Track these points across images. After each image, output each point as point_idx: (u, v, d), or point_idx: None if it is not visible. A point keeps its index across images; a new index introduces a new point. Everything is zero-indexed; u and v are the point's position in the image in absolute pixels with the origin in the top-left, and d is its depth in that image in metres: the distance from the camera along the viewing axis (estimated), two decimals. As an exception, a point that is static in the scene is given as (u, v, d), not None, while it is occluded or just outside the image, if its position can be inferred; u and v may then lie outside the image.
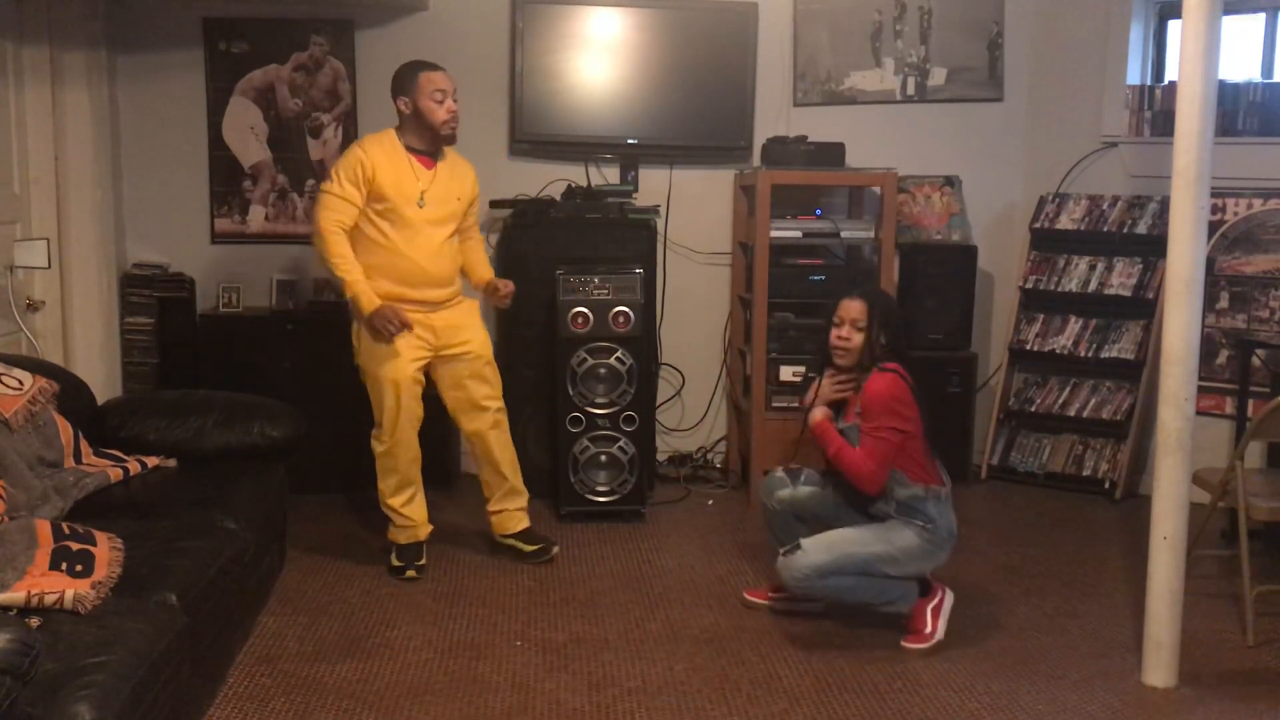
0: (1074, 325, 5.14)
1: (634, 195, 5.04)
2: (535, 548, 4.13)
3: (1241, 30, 4.99)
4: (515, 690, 3.12)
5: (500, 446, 4.09)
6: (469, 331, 4.01)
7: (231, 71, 5.06)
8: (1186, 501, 3.12)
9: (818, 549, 3.36)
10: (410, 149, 3.86)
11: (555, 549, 4.14)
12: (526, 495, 4.21)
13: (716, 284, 5.32)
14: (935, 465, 3.45)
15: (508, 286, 4.09)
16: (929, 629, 3.45)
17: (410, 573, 3.94)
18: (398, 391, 3.84)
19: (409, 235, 3.83)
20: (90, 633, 2.32)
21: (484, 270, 4.17)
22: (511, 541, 4.15)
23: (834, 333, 3.48)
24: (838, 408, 3.54)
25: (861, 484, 3.39)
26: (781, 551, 3.43)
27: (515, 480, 4.15)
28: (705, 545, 4.38)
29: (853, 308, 3.45)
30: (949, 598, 3.53)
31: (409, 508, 3.99)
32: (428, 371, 3.97)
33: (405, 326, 3.78)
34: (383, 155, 3.81)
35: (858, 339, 3.43)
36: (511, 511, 4.16)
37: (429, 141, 3.88)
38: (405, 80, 3.85)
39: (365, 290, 3.75)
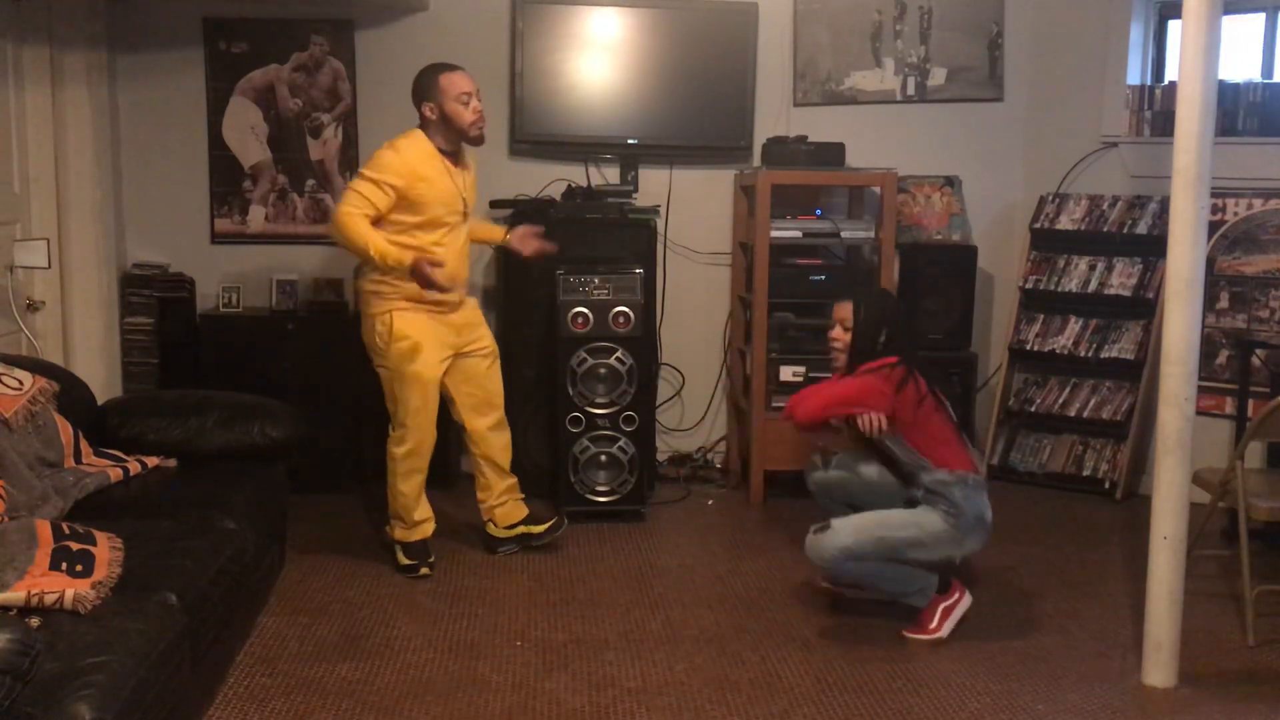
0: (1074, 325, 5.14)
1: (634, 195, 5.03)
2: (546, 525, 4.15)
3: (1241, 30, 4.99)
4: (515, 690, 3.12)
5: (505, 444, 4.14)
6: (481, 329, 4.06)
7: (231, 71, 5.06)
8: (1186, 501, 3.12)
9: (846, 530, 3.42)
10: (441, 151, 3.82)
11: (565, 522, 4.17)
12: (517, 480, 4.22)
13: (716, 284, 5.32)
14: (966, 451, 3.54)
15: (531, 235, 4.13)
16: (935, 624, 3.48)
17: (424, 570, 3.95)
18: (425, 389, 3.86)
19: (444, 238, 3.82)
20: (90, 633, 2.32)
21: (495, 229, 4.22)
22: (521, 529, 4.16)
23: (830, 333, 3.63)
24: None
25: (804, 403, 3.51)
26: (812, 530, 3.47)
27: (509, 471, 4.18)
28: (705, 545, 4.38)
29: (842, 309, 3.60)
30: (965, 600, 3.55)
31: (422, 509, 4.00)
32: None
33: (441, 266, 3.76)
34: (422, 164, 3.75)
35: (845, 338, 3.57)
36: (514, 501, 4.18)
37: (455, 143, 3.85)
38: (427, 85, 3.78)
39: (392, 249, 3.67)
